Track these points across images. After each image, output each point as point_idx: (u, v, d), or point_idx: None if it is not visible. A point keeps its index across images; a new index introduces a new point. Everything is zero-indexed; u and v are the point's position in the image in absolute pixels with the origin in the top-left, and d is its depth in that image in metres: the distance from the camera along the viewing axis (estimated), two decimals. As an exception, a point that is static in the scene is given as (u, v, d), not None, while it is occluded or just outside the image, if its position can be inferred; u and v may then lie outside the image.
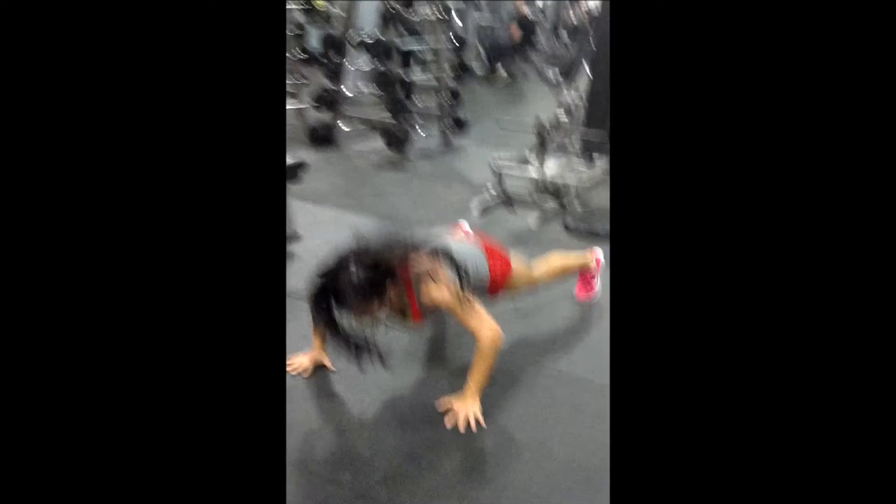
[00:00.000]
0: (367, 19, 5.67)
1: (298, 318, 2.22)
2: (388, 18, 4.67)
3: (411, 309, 1.94)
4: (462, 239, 2.20)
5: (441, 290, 1.86)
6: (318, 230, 3.34)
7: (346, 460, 1.72)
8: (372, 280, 1.75)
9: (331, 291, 1.77)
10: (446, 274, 1.90)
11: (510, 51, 8.78)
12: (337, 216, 3.61)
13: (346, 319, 1.84)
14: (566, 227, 3.45)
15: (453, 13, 6.85)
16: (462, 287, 1.91)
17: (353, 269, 1.73)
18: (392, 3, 4.70)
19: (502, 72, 8.73)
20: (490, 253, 2.16)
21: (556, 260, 2.47)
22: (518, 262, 2.29)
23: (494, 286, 2.13)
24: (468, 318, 1.89)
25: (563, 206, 3.68)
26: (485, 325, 1.88)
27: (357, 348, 1.87)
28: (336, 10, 5.18)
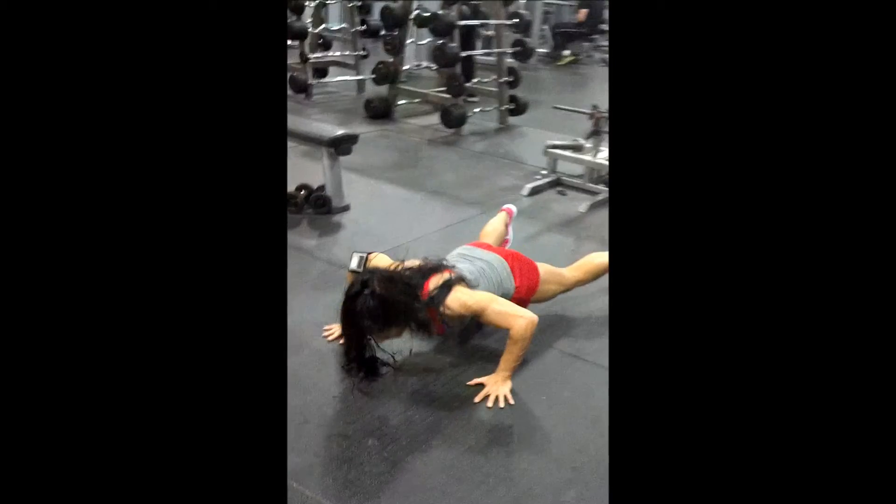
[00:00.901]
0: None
1: (339, 287, 2.28)
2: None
3: (434, 323, 1.99)
4: (486, 251, 2.22)
5: (461, 299, 1.90)
6: (368, 202, 3.41)
7: (374, 426, 1.79)
8: (390, 315, 1.82)
9: (351, 318, 1.83)
10: (466, 286, 1.95)
11: (576, 33, 8.65)
12: (387, 189, 3.67)
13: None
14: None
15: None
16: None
17: (370, 303, 1.78)
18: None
19: (567, 54, 8.62)
20: (515, 262, 2.18)
21: (596, 258, 2.42)
22: (548, 269, 2.29)
23: (520, 296, 2.14)
24: (496, 317, 1.92)
25: (615, 193, 3.64)
26: (515, 317, 1.90)
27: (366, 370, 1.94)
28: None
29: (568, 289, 2.36)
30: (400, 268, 1.96)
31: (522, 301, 2.14)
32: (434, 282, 1.93)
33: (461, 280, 1.96)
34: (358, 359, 1.91)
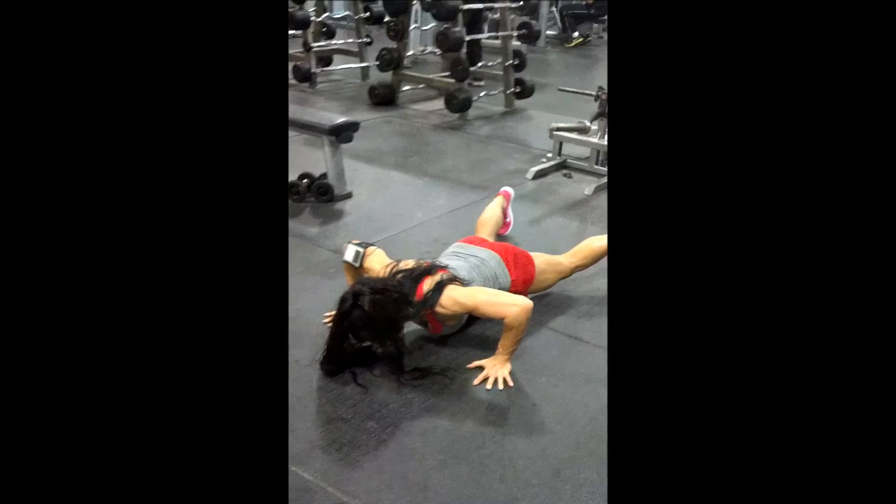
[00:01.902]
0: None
1: (340, 275, 2.30)
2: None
3: (430, 323, 2.05)
4: (479, 247, 2.24)
5: (453, 297, 1.93)
6: (372, 189, 3.42)
7: (374, 410, 1.80)
8: (381, 324, 1.88)
9: (345, 330, 1.90)
10: (459, 284, 1.98)
11: (585, 15, 8.59)
12: (392, 176, 3.68)
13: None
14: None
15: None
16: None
17: (362, 316, 1.84)
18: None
19: (577, 36, 8.58)
20: (509, 256, 2.20)
21: (594, 242, 2.42)
22: (544, 259, 2.31)
23: (517, 290, 2.16)
24: (489, 312, 1.94)
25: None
26: (508, 306, 1.91)
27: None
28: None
29: (566, 275, 2.38)
30: (394, 270, 2.00)
31: (520, 294, 2.15)
32: (428, 284, 1.96)
33: (454, 279, 1.98)
34: (338, 360, 1.95)
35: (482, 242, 2.30)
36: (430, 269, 2.01)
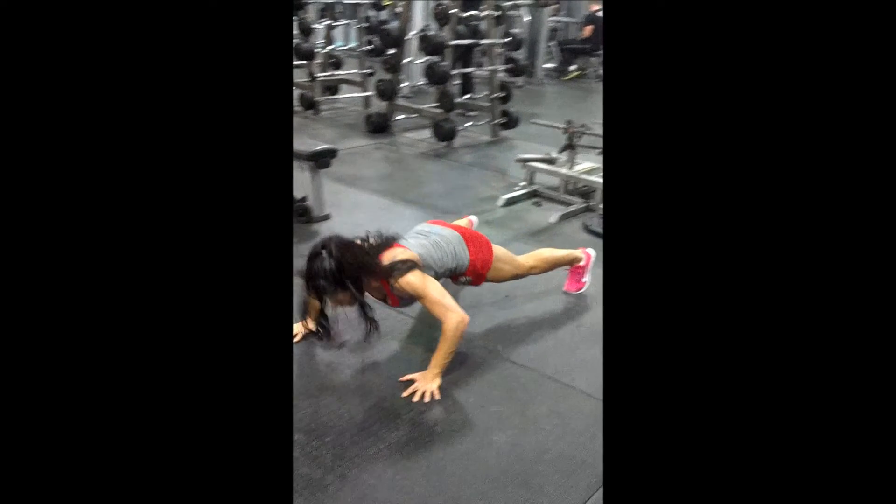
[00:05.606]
0: (426, 15, 5.75)
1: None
2: (443, 17, 4.69)
3: (388, 296, 2.06)
4: (443, 227, 2.25)
5: (411, 280, 1.95)
6: (349, 211, 3.44)
7: (304, 423, 1.81)
8: (343, 277, 1.88)
9: (310, 281, 1.91)
10: (419, 264, 1.99)
11: (581, 49, 8.61)
12: (371, 199, 3.70)
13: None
14: (585, 228, 3.39)
15: (521, 12, 6.78)
16: (437, 276, 2.04)
17: (326, 264, 1.86)
18: (448, 1, 4.72)
19: (573, 69, 8.59)
20: (469, 238, 2.22)
21: (545, 252, 2.49)
22: (502, 251, 2.32)
23: (475, 269, 2.19)
24: (434, 307, 1.95)
25: (588, 206, 3.62)
26: (450, 312, 1.94)
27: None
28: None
29: (521, 274, 2.39)
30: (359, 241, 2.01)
31: (478, 275, 2.21)
32: (389, 256, 1.97)
33: (417, 265, 1.98)
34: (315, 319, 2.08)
35: (445, 224, 2.32)
36: (388, 242, 2.03)
